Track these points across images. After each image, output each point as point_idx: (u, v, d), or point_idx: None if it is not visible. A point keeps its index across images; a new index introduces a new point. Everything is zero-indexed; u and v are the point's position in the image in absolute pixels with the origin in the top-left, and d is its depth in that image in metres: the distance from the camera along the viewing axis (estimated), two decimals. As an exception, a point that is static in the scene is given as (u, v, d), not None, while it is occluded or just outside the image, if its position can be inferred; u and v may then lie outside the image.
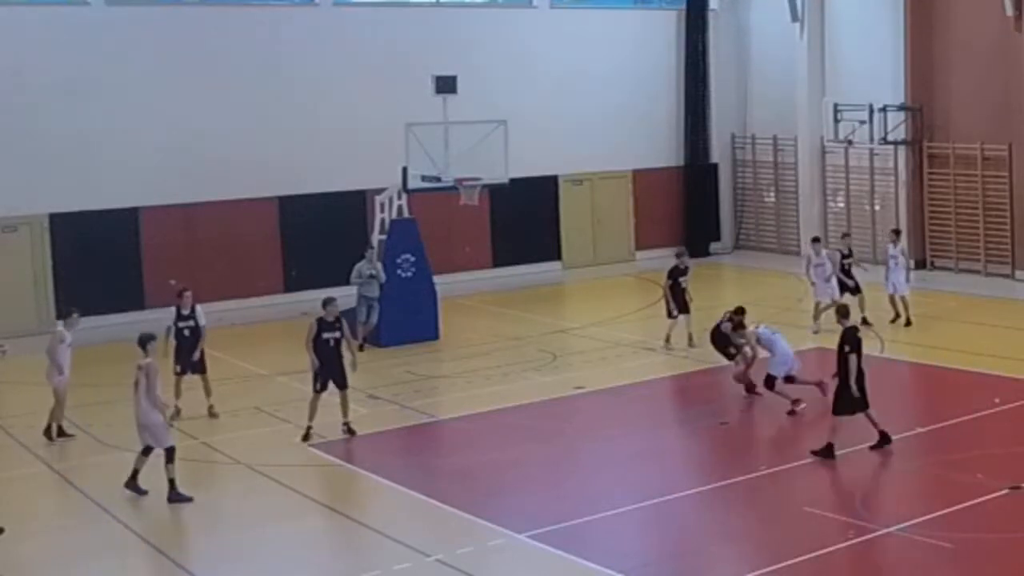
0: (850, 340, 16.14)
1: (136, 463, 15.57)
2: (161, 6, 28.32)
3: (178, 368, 19.22)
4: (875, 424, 16.28)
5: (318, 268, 28.48)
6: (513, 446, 17.62)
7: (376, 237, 24.77)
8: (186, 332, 19.27)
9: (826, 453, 16.00)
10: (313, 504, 15.30)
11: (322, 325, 17.62)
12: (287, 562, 13.59)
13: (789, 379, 18.77)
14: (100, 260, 26.88)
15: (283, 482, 16.17)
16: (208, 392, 19.35)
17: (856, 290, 24.25)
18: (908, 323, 24.37)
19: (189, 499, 15.27)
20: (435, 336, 24.11)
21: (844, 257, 24.67)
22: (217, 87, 28.16)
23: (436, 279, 24.73)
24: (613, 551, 13.39)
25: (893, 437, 16.77)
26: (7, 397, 21.19)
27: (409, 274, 24.04)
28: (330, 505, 15.19)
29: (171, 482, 15.31)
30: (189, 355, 19.18)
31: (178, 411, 18.89)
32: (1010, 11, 28.40)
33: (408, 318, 23.68)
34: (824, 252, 24.08)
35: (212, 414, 19.25)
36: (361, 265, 23.60)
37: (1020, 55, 28.46)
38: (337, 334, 17.68)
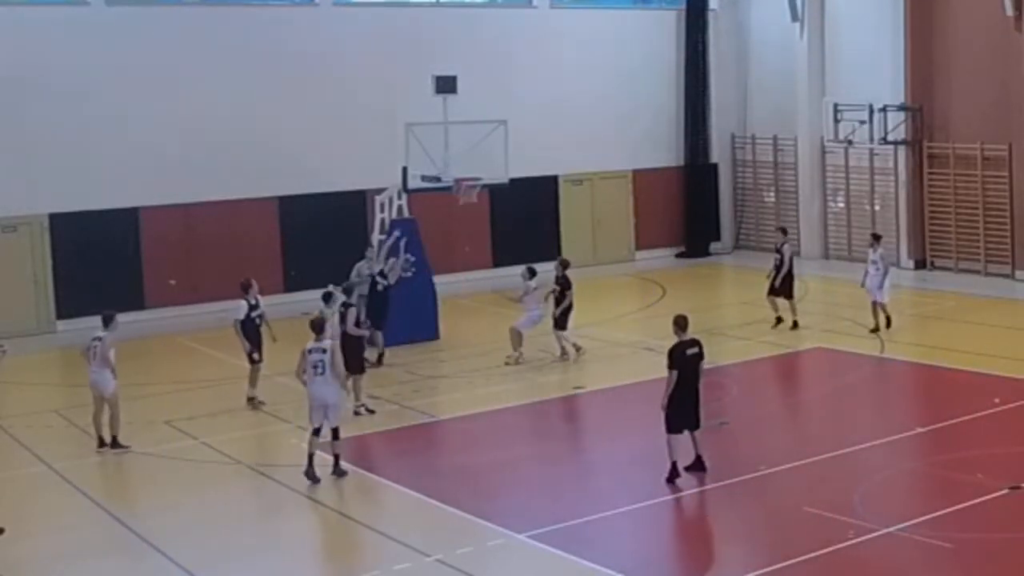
0: (672, 356, 15.33)
1: (310, 447, 15.79)
2: (161, 6, 28.32)
3: (256, 356, 19.67)
4: (695, 445, 15.48)
5: (318, 268, 28.45)
6: (513, 446, 17.63)
7: (376, 237, 24.77)
8: (257, 321, 19.86)
9: (672, 473, 15.31)
10: (313, 504, 15.29)
11: None
12: (287, 562, 13.59)
13: None
14: (100, 260, 26.88)
15: (283, 482, 16.16)
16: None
17: (787, 295, 24.12)
18: (876, 328, 23.24)
19: (345, 473, 15.81)
20: (435, 336, 24.11)
21: (777, 250, 24.55)
22: (217, 87, 28.16)
23: (436, 279, 24.73)
24: (613, 551, 13.39)
25: (893, 437, 16.81)
26: (7, 397, 21.17)
27: (409, 274, 24.03)
28: (330, 505, 15.19)
29: (337, 457, 15.87)
30: (262, 344, 19.79)
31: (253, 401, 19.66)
32: (1010, 11, 28.40)
33: (408, 318, 23.65)
34: (534, 279, 22.88)
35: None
36: (361, 265, 23.60)
37: (1020, 55, 28.46)
38: None
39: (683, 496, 15.08)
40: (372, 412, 18.97)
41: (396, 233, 23.55)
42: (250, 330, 19.76)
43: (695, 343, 15.55)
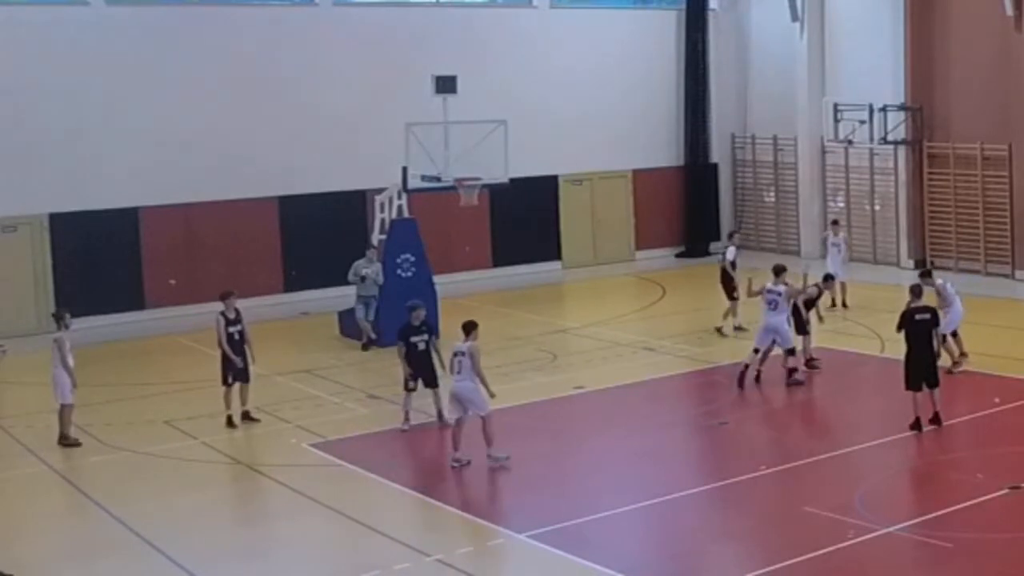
0: (902, 318, 17.20)
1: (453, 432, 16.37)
2: (161, 6, 28.32)
3: (230, 378, 18.52)
4: (934, 403, 17.21)
5: (318, 268, 28.49)
6: (513, 446, 17.59)
7: (376, 237, 24.76)
8: (236, 336, 18.59)
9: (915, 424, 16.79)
10: (313, 504, 15.29)
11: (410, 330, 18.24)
12: (287, 562, 13.59)
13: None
14: (100, 260, 26.89)
15: (283, 482, 16.17)
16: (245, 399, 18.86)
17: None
18: (844, 305, 25.70)
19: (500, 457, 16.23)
20: (435, 336, 24.02)
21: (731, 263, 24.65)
22: (217, 87, 28.16)
23: (436, 279, 24.72)
24: (613, 551, 13.39)
25: (893, 437, 16.83)
26: (7, 397, 21.17)
27: (409, 274, 24.03)
28: (330, 505, 15.18)
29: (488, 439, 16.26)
30: (247, 363, 18.60)
31: (232, 421, 18.57)
32: (1010, 11, 28.40)
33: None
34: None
35: (252, 418, 18.80)
36: (359, 263, 23.65)
37: (1020, 55, 28.45)
38: (424, 337, 18.31)
39: (683, 496, 15.08)
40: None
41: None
42: (231, 348, 18.51)
43: (927, 309, 17.38)
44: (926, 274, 21.07)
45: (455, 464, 16.21)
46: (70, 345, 18.18)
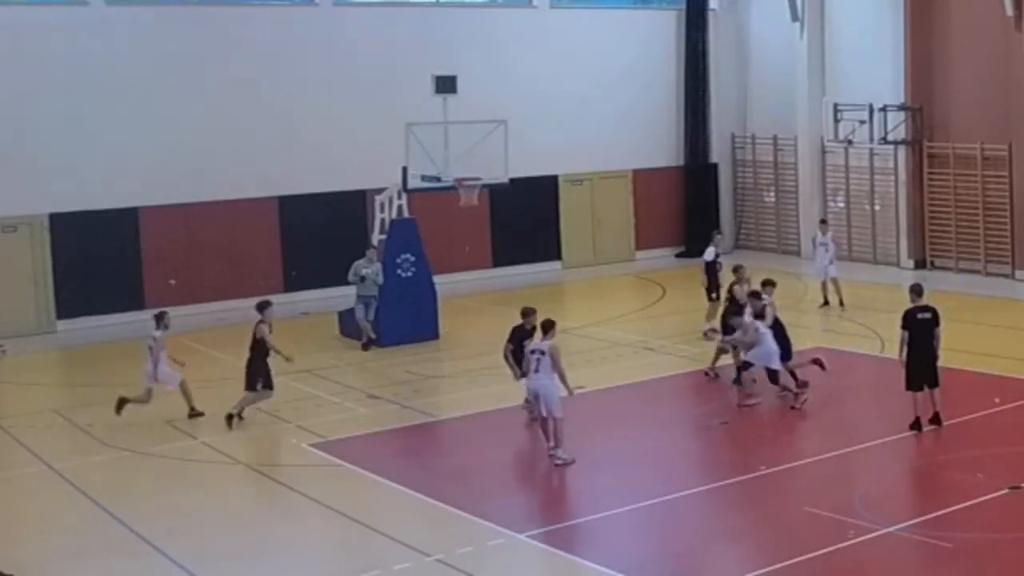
0: (904, 318, 17.07)
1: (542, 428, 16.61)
2: (161, 6, 28.31)
3: (259, 384, 18.83)
4: (934, 403, 17.09)
5: (318, 268, 28.50)
6: (513, 446, 17.62)
7: (376, 237, 24.78)
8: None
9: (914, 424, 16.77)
10: (313, 504, 15.29)
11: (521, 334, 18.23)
12: (287, 562, 13.59)
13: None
14: (100, 260, 26.88)
15: (283, 482, 16.18)
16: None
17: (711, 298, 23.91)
18: (840, 304, 25.96)
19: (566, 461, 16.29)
20: (435, 336, 24.10)
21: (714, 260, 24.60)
22: (217, 87, 28.16)
23: (436, 279, 24.73)
24: (613, 551, 13.39)
25: (893, 437, 16.83)
26: (7, 397, 21.17)
27: (409, 274, 24.04)
28: (330, 505, 15.18)
29: (557, 440, 16.42)
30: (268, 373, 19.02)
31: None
32: (1010, 11, 28.40)
33: (408, 318, 23.68)
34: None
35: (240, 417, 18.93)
36: (359, 263, 23.67)
37: (1020, 55, 28.45)
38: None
39: (683, 496, 15.08)
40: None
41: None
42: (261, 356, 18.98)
43: (928, 308, 17.29)
44: (755, 295, 19.37)
45: (559, 461, 16.29)
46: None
